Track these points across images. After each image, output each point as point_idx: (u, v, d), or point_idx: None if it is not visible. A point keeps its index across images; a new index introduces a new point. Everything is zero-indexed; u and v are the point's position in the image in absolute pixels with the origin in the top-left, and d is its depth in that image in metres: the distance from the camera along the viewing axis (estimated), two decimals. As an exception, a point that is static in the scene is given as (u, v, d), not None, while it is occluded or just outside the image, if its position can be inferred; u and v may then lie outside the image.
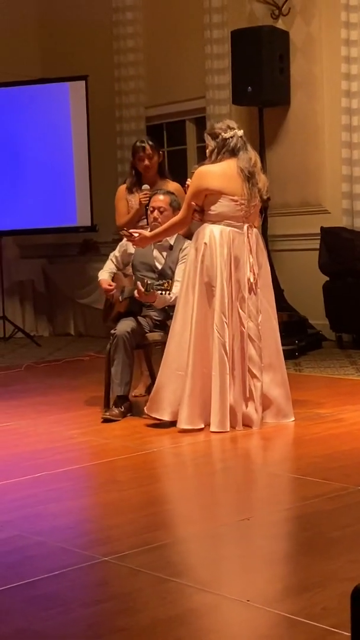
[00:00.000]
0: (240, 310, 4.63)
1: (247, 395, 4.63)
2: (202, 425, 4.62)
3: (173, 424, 4.68)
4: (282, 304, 6.73)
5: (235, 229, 4.66)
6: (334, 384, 5.97)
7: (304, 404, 5.12)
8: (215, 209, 4.65)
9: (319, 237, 7.49)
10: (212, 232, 4.64)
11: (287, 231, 7.96)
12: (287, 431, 4.64)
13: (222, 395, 4.56)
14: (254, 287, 4.66)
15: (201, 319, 4.62)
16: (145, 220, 5.42)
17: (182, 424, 4.60)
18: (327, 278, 7.46)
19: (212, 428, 4.56)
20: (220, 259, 4.60)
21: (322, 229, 7.50)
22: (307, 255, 7.70)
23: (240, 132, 4.70)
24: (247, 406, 4.64)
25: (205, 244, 4.63)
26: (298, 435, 4.55)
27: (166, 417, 4.72)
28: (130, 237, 5.01)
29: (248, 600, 2.45)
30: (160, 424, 4.76)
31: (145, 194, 5.47)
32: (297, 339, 7.19)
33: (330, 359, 6.91)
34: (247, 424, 4.64)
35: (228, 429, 4.56)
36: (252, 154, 4.71)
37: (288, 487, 3.72)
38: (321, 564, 2.73)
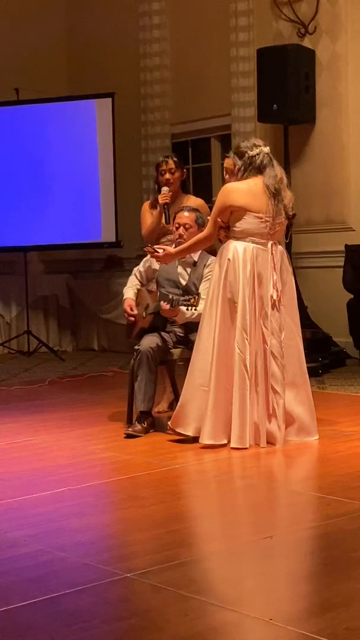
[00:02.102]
0: (263, 327, 4.63)
1: (270, 412, 4.63)
2: (225, 441, 4.62)
3: (196, 439, 4.68)
4: (305, 321, 6.71)
5: (260, 246, 4.67)
6: (357, 402, 5.94)
7: (327, 422, 5.10)
8: (240, 225, 4.67)
9: (344, 255, 7.48)
10: (235, 249, 4.66)
11: (312, 248, 7.96)
12: (310, 449, 4.62)
13: (242, 412, 4.56)
14: (277, 304, 4.66)
15: (224, 335, 4.62)
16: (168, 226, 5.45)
17: (205, 439, 4.60)
18: (351, 296, 7.43)
19: (232, 444, 4.56)
20: (243, 276, 4.61)
21: (346, 246, 7.49)
22: (331, 273, 7.69)
23: (267, 149, 4.72)
24: (270, 423, 4.63)
25: (229, 259, 4.64)
26: (321, 453, 4.54)
27: (190, 433, 4.72)
28: (154, 254, 5.03)
29: (270, 619, 2.44)
30: (183, 440, 4.76)
31: (164, 194, 5.49)
32: (321, 356, 7.17)
33: (354, 377, 6.88)
34: (270, 441, 4.63)
35: (247, 446, 4.55)
36: (278, 170, 4.73)
37: (311, 506, 3.71)
38: (344, 583, 2.72)
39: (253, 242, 4.66)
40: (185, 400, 4.73)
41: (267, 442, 4.62)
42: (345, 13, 7.75)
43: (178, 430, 4.74)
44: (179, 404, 4.81)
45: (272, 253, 4.67)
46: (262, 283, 4.65)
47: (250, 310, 4.61)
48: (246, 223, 4.66)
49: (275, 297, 4.64)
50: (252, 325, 4.61)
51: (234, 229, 4.69)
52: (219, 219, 4.72)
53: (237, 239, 4.68)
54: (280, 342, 4.67)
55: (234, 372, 4.60)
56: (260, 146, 4.71)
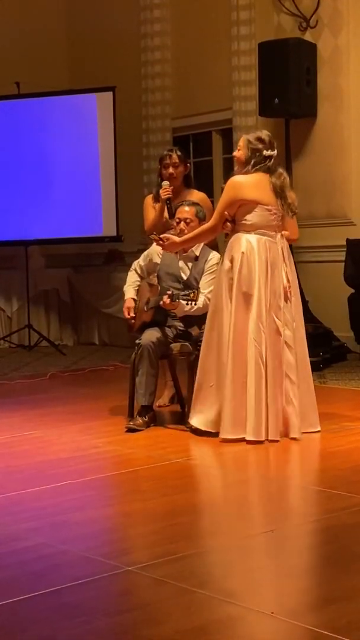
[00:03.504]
0: (276, 319, 4.64)
1: (286, 402, 4.63)
2: (244, 435, 4.60)
3: (200, 433, 4.69)
4: (307, 315, 6.70)
5: (270, 238, 4.68)
6: (358, 396, 5.95)
7: (328, 416, 5.10)
8: (251, 218, 4.67)
9: (345, 249, 7.47)
10: (248, 242, 4.66)
11: (313, 243, 7.95)
12: (311, 443, 4.62)
13: (258, 404, 4.54)
14: (289, 294, 4.67)
15: (239, 328, 4.62)
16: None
17: (225, 434, 4.58)
18: (352, 290, 7.43)
19: (248, 437, 4.54)
20: (259, 268, 4.62)
21: (347, 240, 7.48)
22: (332, 267, 7.69)
23: (276, 153, 4.74)
24: (287, 413, 4.63)
25: (242, 253, 4.64)
26: (322, 447, 4.54)
27: (203, 427, 4.71)
28: (159, 242, 5.03)
29: (272, 613, 2.45)
30: (184, 434, 4.76)
31: (165, 189, 5.49)
32: (322, 351, 7.17)
33: (355, 372, 6.88)
34: (288, 429, 4.62)
35: (263, 438, 4.53)
36: (282, 172, 4.77)
37: (312, 500, 3.71)
38: (345, 577, 2.72)
39: (264, 235, 4.68)
40: (204, 397, 4.72)
41: (284, 430, 4.61)
42: (346, 7, 7.74)
43: (204, 428, 4.71)
44: (198, 400, 4.76)
45: (281, 245, 4.69)
46: (274, 275, 4.66)
47: (265, 302, 4.61)
48: (257, 216, 4.67)
49: (287, 287, 4.66)
50: (266, 317, 4.61)
51: (244, 222, 4.69)
52: (225, 212, 4.72)
53: (247, 232, 4.69)
54: (294, 332, 4.69)
55: (247, 364, 4.59)
56: (275, 150, 4.73)
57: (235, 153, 4.83)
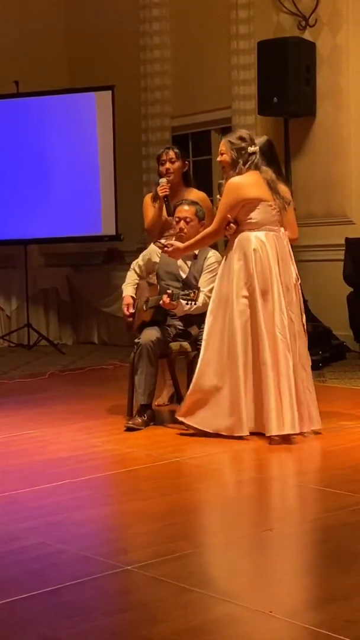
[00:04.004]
0: (290, 313, 4.65)
1: (307, 392, 4.66)
2: (248, 433, 4.61)
3: (199, 433, 4.68)
4: (306, 314, 6.69)
5: (275, 233, 4.70)
6: (357, 395, 5.95)
7: (327, 415, 5.09)
8: (256, 216, 4.68)
9: (344, 248, 7.47)
10: (258, 238, 4.67)
11: (312, 242, 7.95)
12: (310, 442, 4.62)
13: (291, 398, 4.52)
14: (299, 287, 4.71)
15: (255, 326, 4.62)
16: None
17: (235, 431, 4.59)
18: (351, 289, 7.43)
19: (286, 431, 4.49)
20: (273, 263, 4.64)
21: (346, 239, 7.48)
22: (331, 266, 7.69)
23: (258, 148, 4.75)
24: (308, 404, 4.65)
25: (254, 250, 4.64)
26: (322, 446, 4.54)
27: (197, 425, 4.70)
28: (163, 249, 5.03)
29: (271, 612, 2.45)
30: (183, 433, 4.76)
31: (163, 186, 5.48)
32: (321, 349, 7.17)
33: (354, 370, 6.88)
34: (310, 423, 4.65)
35: (297, 431, 4.53)
36: (266, 168, 4.78)
37: (311, 499, 3.71)
38: (344, 576, 2.72)
39: (270, 231, 4.69)
40: (201, 395, 4.71)
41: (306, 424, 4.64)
42: (346, 6, 7.74)
43: (188, 422, 4.71)
44: (191, 396, 4.76)
45: (285, 239, 4.74)
46: (284, 269, 4.68)
47: (283, 296, 4.63)
48: (261, 213, 4.68)
49: (296, 280, 4.70)
50: (285, 311, 4.63)
51: (249, 220, 4.69)
52: (228, 215, 4.71)
53: (253, 229, 4.69)
54: (302, 325, 4.72)
55: (264, 361, 4.56)
56: (256, 145, 4.73)
57: (220, 158, 4.80)
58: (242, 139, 4.74)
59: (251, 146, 4.72)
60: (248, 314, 4.63)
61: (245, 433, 4.59)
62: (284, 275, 4.67)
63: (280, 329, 4.58)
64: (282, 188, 4.81)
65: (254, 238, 4.67)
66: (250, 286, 4.64)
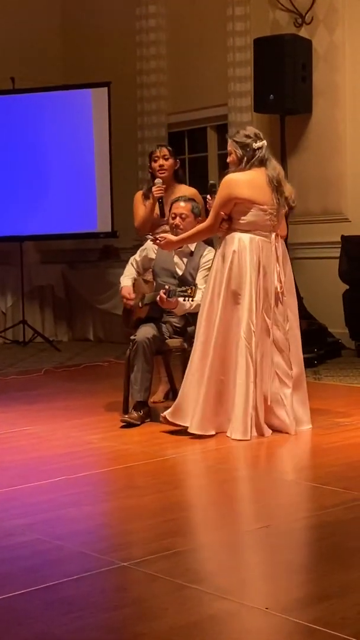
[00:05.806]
0: (266, 319, 4.64)
1: (279, 401, 4.65)
2: (213, 432, 4.62)
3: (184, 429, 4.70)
4: (301, 312, 6.68)
5: (264, 238, 4.68)
6: (353, 392, 5.96)
7: (322, 412, 5.11)
8: (246, 218, 4.66)
9: (340, 246, 7.48)
10: (241, 240, 4.66)
11: (308, 239, 7.96)
12: (305, 440, 4.63)
13: (246, 403, 4.55)
14: (280, 296, 4.67)
15: (224, 326, 4.62)
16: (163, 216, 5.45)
17: (193, 429, 4.61)
18: (347, 286, 7.44)
19: (235, 435, 4.55)
20: (250, 267, 4.62)
21: (342, 237, 7.49)
22: (327, 264, 7.69)
23: (265, 143, 4.73)
24: (278, 413, 4.65)
25: (234, 251, 4.64)
26: (317, 443, 4.55)
27: (187, 424, 4.71)
28: (156, 241, 5.03)
29: (267, 608, 2.45)
30: (179, 431, 4.76)
31: (158, 187, 5.49)
32: (317, 347, 7.18)
33: (349, 368, 6.89)
34: (283, 429, 4.65)
35: (249, 437, 4.55)
36: (276, 164, 4.77)
37: (307, 496, 3.71)
38: (340, 573, 2.73)
39: (258, 235, 4.67)
40: (185, 393, 4.71)
41: (276, 431, 4.63)
42: (342, 3, 7.74)
43: (178, 422, 4.72)
44: (179, 396, 4.77)
45: (275, 245, 4.68)
46: (267, 275, 4.66)
47: (255, 302, 4.61)
48: (252, 216, 4.66)
49: (279, 288, 4.65)
50: (256, 317, 4.61)
51: (240, 221, 4.68)
52: (221, 212, 4.70)
53: (242, 231, 4.68)
54: (285, 334, 4.69)
55: (231, 364, 4.59)
56: (263, 139, 4.72)
57: (229, 159, 4.80)
58: (247, 136, 4.73)
59: (256, 142, 4.71)
60: (219, 314, 4.63)
61: (210, 432, 4.60)
62: (264, 280, 4.64)
63: (246, 335, 4.58)
64: (288, 188, 4.76)
65: (237, 240, 4.66)
66: (225, 287, 4.64)
